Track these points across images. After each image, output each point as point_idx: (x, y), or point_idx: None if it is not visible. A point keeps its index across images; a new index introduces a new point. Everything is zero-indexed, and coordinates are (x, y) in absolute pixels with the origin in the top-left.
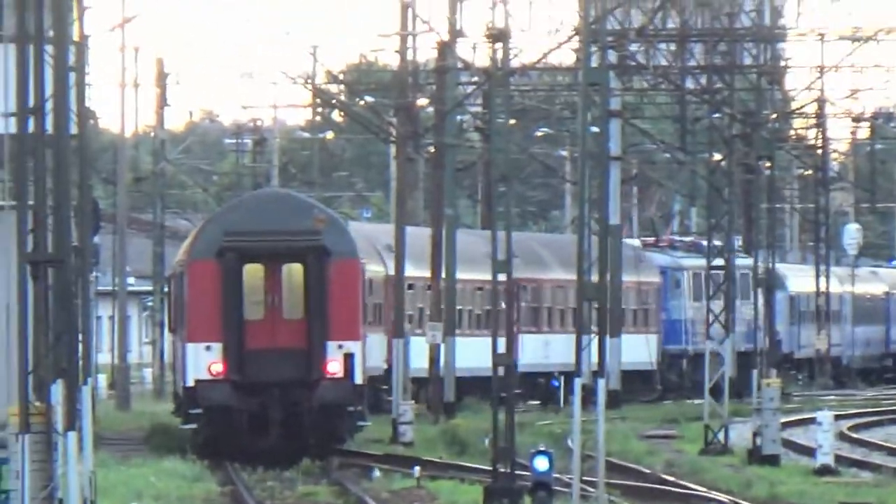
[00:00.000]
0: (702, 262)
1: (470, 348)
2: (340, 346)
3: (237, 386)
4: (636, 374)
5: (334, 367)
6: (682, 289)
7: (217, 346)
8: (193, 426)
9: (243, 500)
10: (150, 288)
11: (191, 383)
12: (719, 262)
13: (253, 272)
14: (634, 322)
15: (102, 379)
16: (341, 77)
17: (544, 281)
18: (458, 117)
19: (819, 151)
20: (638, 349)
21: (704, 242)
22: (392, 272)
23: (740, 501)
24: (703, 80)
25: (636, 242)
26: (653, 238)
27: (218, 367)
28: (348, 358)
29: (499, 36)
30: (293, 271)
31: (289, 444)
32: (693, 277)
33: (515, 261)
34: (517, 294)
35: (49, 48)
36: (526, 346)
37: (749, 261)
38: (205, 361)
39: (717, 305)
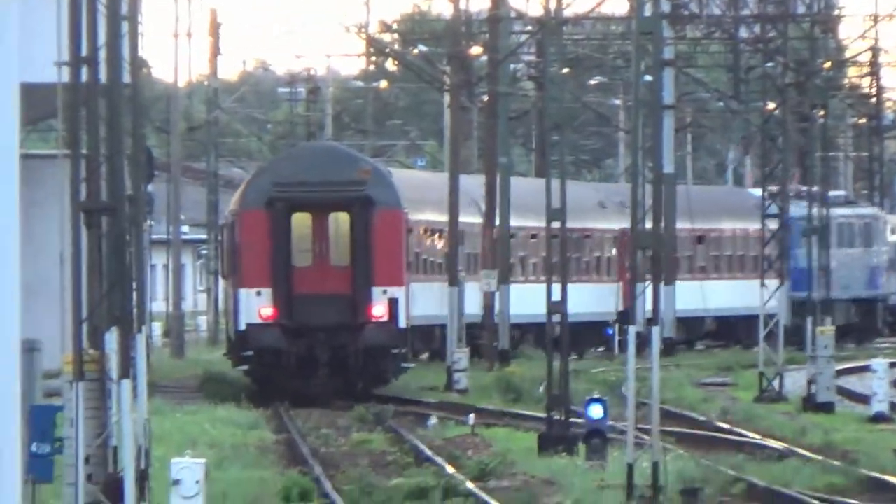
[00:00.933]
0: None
1: (529, 295)
2: (385, 292)
3: (286, 329)
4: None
5: (379, 310)
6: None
7: (267, 292)
8: (245, 368)
9: (297, 448)
10: (204, 236)
11: (242, 327)
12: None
13: (301, 221)
14: (754, 268)
15: (157, 327)
16: (395, 26)
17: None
18: (512, 66)
19: (873, 100)
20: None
21: (830, 193)
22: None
23: (795, 448)
24: (757, 29)
25: (758, 192)
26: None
27: (268, 312)
28: (392, 303)
29: None
30: (340, 220)
31: (335, 385)
32: (838, 227)
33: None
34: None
35: None
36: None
37: (853, 209)
38: (255, 306)
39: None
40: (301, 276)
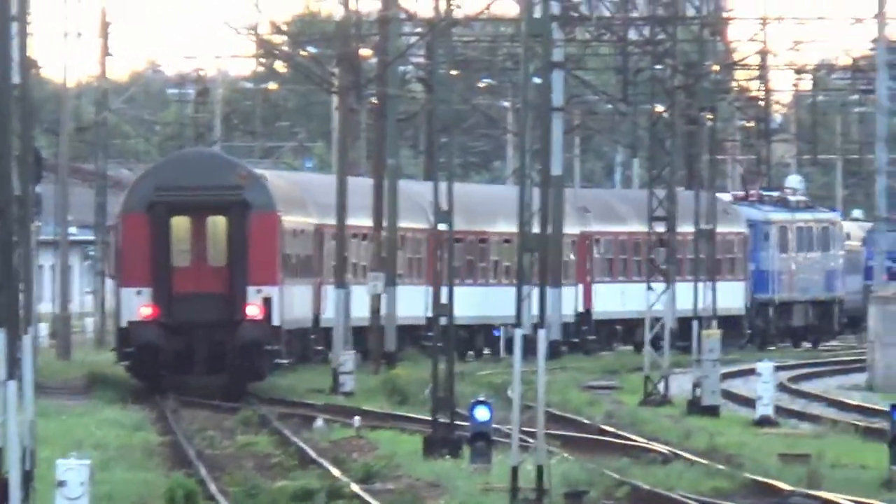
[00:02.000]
0: (788, 216)
1: (412, 297)
2: (259, 291)
3: (165, 326)
4: (727, 320)
5: (253, 310)
6: (770, 241)
7: (147, 291)
8: (126, 363)
9: (183, 449)
10: (91, 237)
11: (124, 324)
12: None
13: (180, 224)
14: (721, 270)
15: (44, 328)
16: (285, 27)
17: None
18: (401, 68)
19: (761, 103)
20: (728, 295)
21: (791, 199)
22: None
23: (679, 452)
24: (646, 32)
25: (727, 197)
26: (742, 193)
27: (147, 310)
28: (267, 301)
29: None
30: (217, 223)
31: (214, 381)
32: (780, 231)
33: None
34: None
35: None
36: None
37: (813, 214)
38: (136, 304)
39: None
40: (180, 276)
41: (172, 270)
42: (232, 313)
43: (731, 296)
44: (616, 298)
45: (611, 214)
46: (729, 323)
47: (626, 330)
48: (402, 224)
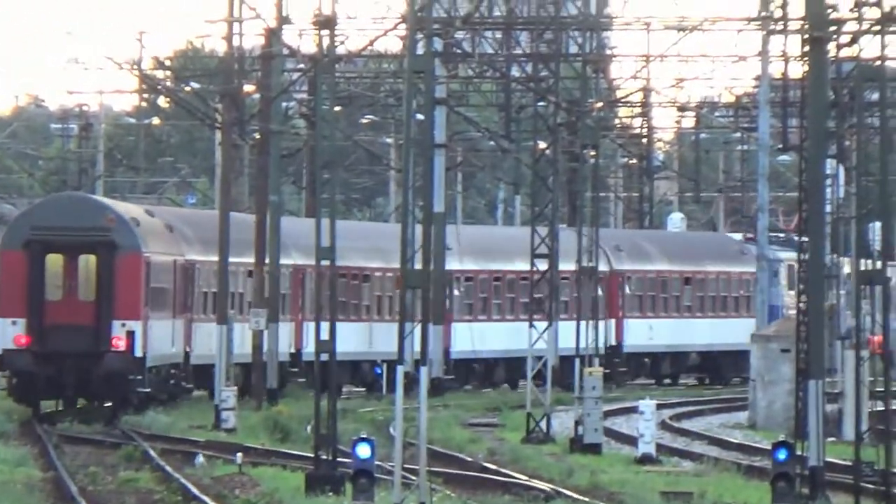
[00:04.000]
0: (795, 255)
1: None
2: (124, 325)
3: (37, 355)
4: (733, 354)
5: (118, 342)
6: (779, 278)
7: (22, 322)
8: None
9: (65, 486)
10: None
11: (0, 352)
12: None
13: (54, 261)
14: (736, 308)
15: None
16: (168, 63)
17: (375, 269)
18: (284, 104)
19: (644, 140)
20: (737, 331)
21: (796, 238)
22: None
23: (562, 490)
24: (529, 69)
25: (738, 237)
26: (752, 234)
27: (22, 339)
28: (130, 335)
29: (325, 23)
30: (88, 261)
31: (79, 403)
32: (788, 268)
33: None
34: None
35: None
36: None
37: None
38: (11, 334)
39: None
40: (52, 309)
41: (45, 303)
42: (98, 344)
43: (742, 332)
44: (499, 336)
45: (492, 252)
46: (740, 357)
47: (508, 368)
48: (287, 261)
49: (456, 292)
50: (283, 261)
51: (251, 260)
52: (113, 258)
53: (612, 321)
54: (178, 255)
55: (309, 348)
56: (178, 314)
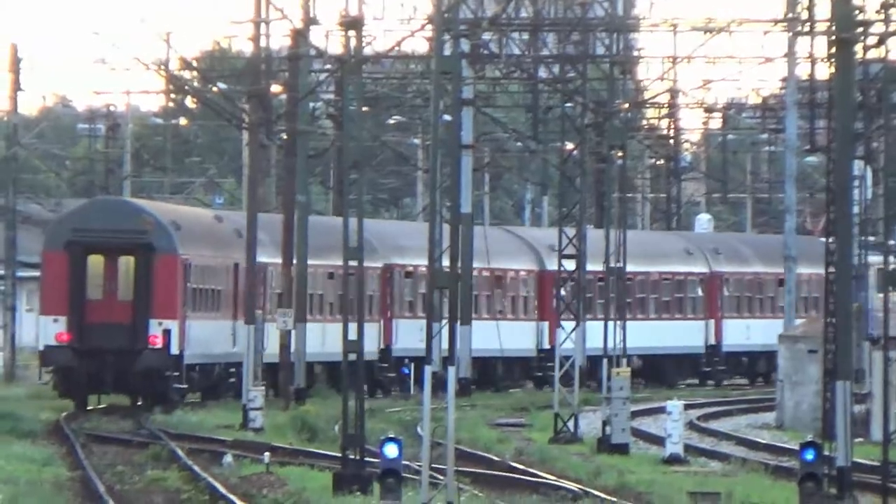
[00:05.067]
0: (881, 258)
1: (327, 334)
2: (160, 324)
3: (77, 351)
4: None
5: (155, 339)
6: (867, 281)
7: (63, 319)
8: (44, 382)
9: (92, 485)
10: (1, 272)
11: (41, 348)
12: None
13: (95, 262)
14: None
15: None
16: (195, 63)
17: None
18: (311, 104)
19: (671, 141)
20: None
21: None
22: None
23: (589, 490)
24: (556, 70)
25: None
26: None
27: (63, 336)
28: (167, 333)
29: (352, 24)
30: (128, 262)
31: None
32: (878, 272)
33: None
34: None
35: None
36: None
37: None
38: (53, 331)
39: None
40: (92, 307)
41: (86, 302)
42: (135, 342)
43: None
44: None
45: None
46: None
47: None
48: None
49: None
50: (369, 262)
51: (328, 262)
52: (151, 260)
53: (712, 321)
54: (236, 258)
55: (398, 345)
56: (233, 315)
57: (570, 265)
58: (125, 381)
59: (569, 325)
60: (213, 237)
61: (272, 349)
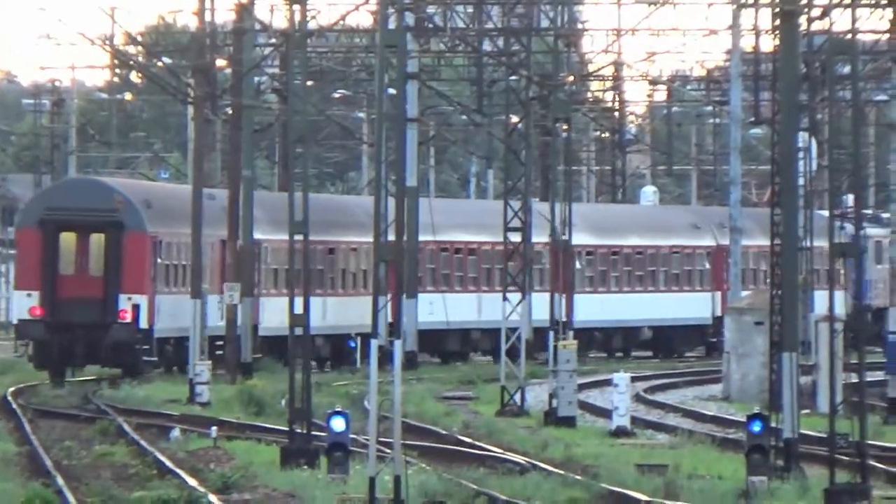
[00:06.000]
0: (882, 231)
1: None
2: (129, 298)
3: (49, 325)
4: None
5: (124, 314)
6: (868, 254)
7: (36, 294)
8: (19, 355)
9: (40, 460)
10: None
11: (15, 322)
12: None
13: (67, 238)
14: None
15: None
16: (140, 38)
17: (482, 243)
18: (256, 79)
19: (616, 114)
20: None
21: (884, 215)
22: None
23: (536, 463)
24: (501, 43)
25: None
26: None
27: (36, 311)
28: (136, 308)
29: None
30: (98, 239)
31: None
32: (875, 244)
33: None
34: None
35: None
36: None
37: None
38: (27, 305)
39: None
40: (64, 283)
41: (58, 278)
42: (105, 316)
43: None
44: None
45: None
46: None
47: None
48: (260, 236)
49: None
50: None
51: (347, 239)
52: (120, 237)
53: (718, 293)
54: (223, 235)
55: (430, 318)
56: (219, 289)
57: (516, 238)
58: (96, 354)
59: (515, 297)
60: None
61: (270, 323)
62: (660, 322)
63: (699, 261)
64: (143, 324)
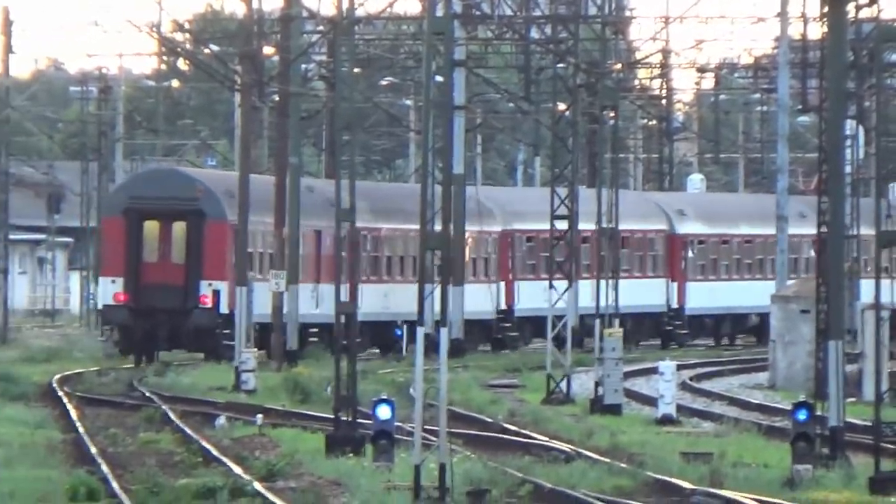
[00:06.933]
0: None
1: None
2: (210, 284)
3: (133, 310)
4: None
5: (205, 299)
6: None
7: (120, 280)
8: (103, 339)
9: (85, 447)
10: None
11: (101, 307)
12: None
13: (151, 227)
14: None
15: None
16: (187, 26)
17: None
18: (303, 66)
19: (663, 102)
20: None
21: None
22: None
23: (582, 451)
24: (548, 30)
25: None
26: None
27: (120, 297)
28: (216, 293)
29: None
30: (180, 227)
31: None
32: None
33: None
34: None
35: None
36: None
37: None
38: (111, 291)
39: None
40: (147, 269)
41: (142, 264)
42: (187, 301)
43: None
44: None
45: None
46: None
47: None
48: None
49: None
50: (487, 227)
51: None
52: (201, 225)
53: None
54: (320, 225)
55: (520, 305)
56: (315, 279)
57: (562, 225)
58: (178, 339)
59: (562, 285)
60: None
61: (371, 308)
62: (725, 310)
63: (805, 248)
64: (224, 309)
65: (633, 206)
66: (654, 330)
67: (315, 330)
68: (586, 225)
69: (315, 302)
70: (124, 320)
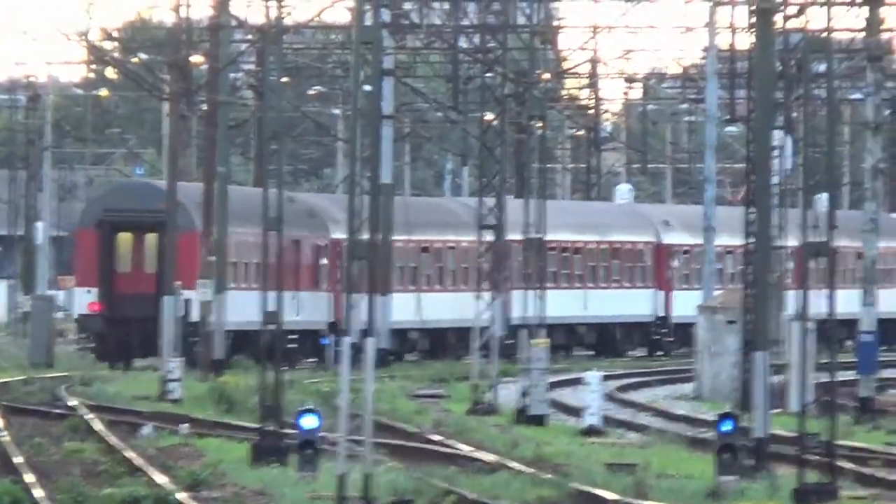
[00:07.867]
0: None
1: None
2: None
3: (107, 319)
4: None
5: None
6: None
7: (95, 290)
8: (80, 347)
9: (9, 456)
10: None
11: (76, 316)
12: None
13: (124, 238)
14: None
15: None
16: (116, 34)
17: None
18: (232, 75)
19: (591, 111)
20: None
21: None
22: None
23: (506, 461)
24: (477, 40)
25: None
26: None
27: (95, 306)
28: (186, 302)
29: None
30: (152, 239)
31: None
32: None
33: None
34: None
35: None
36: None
37: None
38: (86, 301)
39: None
40: (121, 279)
41: (115, 275)
42: (159, 310)
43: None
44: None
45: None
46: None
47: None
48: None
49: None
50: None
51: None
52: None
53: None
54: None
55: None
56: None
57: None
58: (151, 347)
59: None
60: (254, 216)
61: (401, 316)
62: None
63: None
64: (195, 318)
65: (622, 217)
66: (643, 339)
67: (295, 336)
68: (515, 235)
69: (296, 310)
70: (98, 329)
